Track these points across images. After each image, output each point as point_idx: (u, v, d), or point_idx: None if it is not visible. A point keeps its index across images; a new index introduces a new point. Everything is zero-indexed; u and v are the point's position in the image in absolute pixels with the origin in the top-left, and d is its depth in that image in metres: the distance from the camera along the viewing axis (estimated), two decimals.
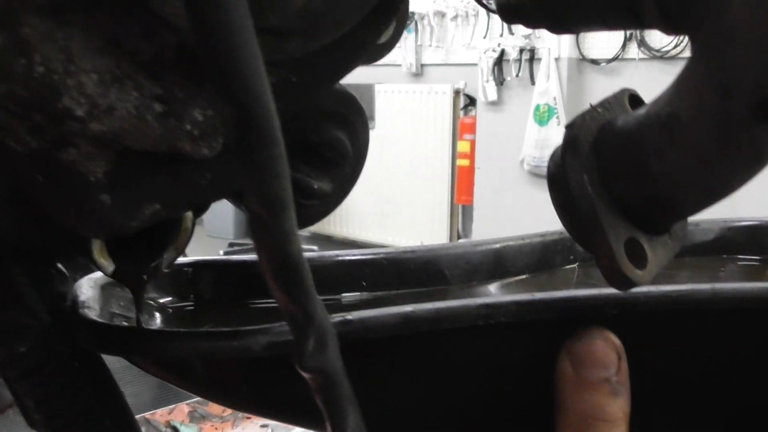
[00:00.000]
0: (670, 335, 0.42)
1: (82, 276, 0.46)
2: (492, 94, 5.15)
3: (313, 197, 0.39)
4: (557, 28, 0.37)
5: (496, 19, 5.16)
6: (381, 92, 5.13)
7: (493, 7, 0.40)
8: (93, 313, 0.41)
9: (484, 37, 5.22)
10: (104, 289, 0.46)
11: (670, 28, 0.33)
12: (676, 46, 4.30)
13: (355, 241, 5.70)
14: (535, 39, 4.98)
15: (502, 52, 5.11)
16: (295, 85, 0.31)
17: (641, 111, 0.33)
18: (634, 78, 4.54)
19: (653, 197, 0.33)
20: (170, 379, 0.42)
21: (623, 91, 0.37)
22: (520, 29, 5.08)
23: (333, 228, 5.74)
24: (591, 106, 0.36)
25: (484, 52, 5.17)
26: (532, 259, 0.63)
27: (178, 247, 0.42)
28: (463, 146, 5.36)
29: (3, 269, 0.37)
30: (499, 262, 0.62)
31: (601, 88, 4.70)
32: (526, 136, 4.91)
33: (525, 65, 5.01)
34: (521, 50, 5.02)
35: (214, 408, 1.37)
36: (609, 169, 0.33)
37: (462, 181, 5.35)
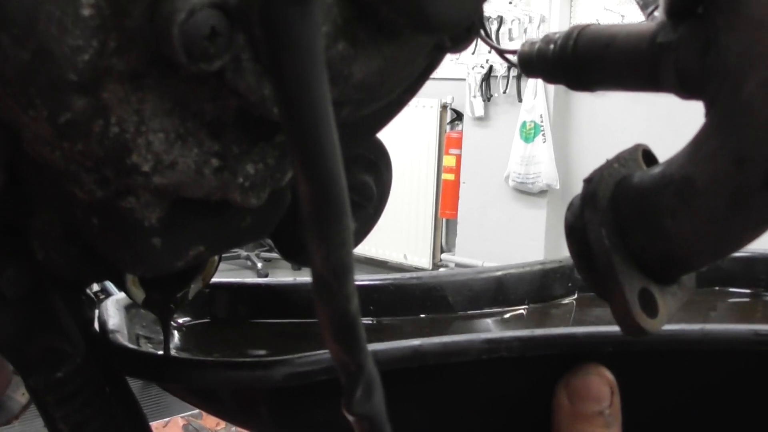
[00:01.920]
0: (662, 372, 0.44)
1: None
2: (479, 110, 5.19)
3: None
4: (576, 87, 0.40)
5: None
6: None
7: (515, 60, 0.43)
8: (122, 338, 0.43)
9: (473, 53, 5.24)
10: (128, 310, 0.48)
11: (686, 95, 0.35)
12: None
13: None
14: None
15: (490, 68, 5.14)
16: (341, 139, 0.33)
17: (656, 171, 0.36)
18: (620, 98, 4.58)
19: (666, 253, 0.35)
20: (197, 404, 0.44)
21: (637, 147, 0.40)
22: (508, 46, 5.13)
23: None
24: (607, 161, 0.38)
25: (472, 68, 5.20)
26: (533, 287, 0.65)
27: (205, 278, 0.44)
28: (448, 161, 5.39)
29: (43, 296, 0.39)
30: (500, 290, 0.64)
31: (587, 107, 4.75)
32: (512, 152, 4.94)
33: (512, 82, 5.05)
34: (509, 67, 5.05)
35: (208, 421, 1.38)
36: (625, 224, 0.36)
37: (447, 195, 5.37)
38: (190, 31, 0.24)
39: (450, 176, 5.35)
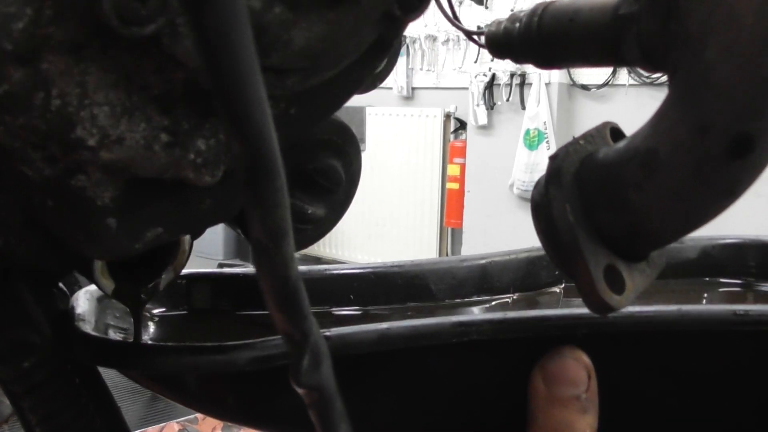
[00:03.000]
0: (639, 355, 0.43)
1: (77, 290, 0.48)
2: (482, 118, 5.18)
3: (308, 222, 0.41)
4: (543, 64, 0.39)
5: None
6: (372, 115, 5.16)
7: (482, 41, 0.42)
8: (89, 327, 0.43)
9: (475, 62, 5.25)
10: (100, 301, 0.47)
11: (650, 67, 0.35)
12: None
13: (344, 263, 5.71)
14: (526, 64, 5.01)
15: (493, 77, 5.14)
16: (293, 117, 0.32)
17: (621, 145, 0.35)
18: (624, 104, 4.58)
19: (632, 227, 0.34)
20: (161, 392, 0.43)
21: (605, 125, 0.39)
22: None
23: (322, 249, 5.75)
24: (574, 138, 0.38)
25: (475, 77, 5.20)
26: (518, 275, 0.65)
27: (176, 268, 0.44)
28: (453, 169, 5.38)
29: (11, 288, 0.39)
30: (485, 278, 0.63)
31: (591, 114, 4.74)
32: (516, 160, 4.94)
33: (516, 90, 5.05)
34: (512, 75, 5.05)
35: (204, 426, 1.38)
36: (590, 200, 0.35)
37: (452, 204, 5.37)
38: None
39: (454, 185, 5.35)
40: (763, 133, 0.31)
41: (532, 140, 4.86)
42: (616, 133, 0.39)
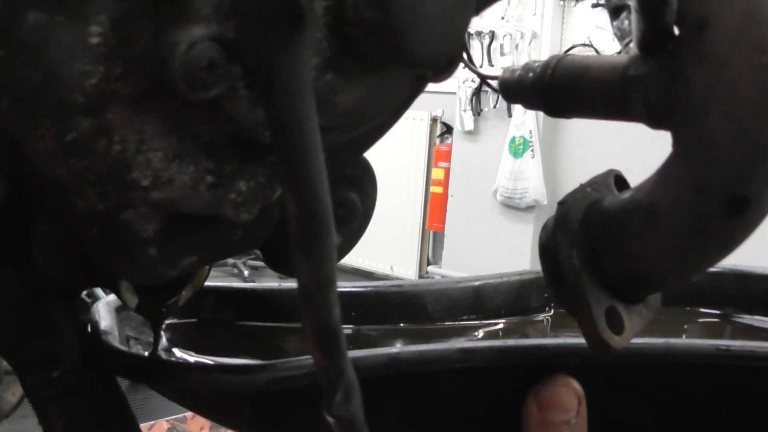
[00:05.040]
0: (627, 384, 0.46)
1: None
2: (469, 124, 5.22)
3: None
4: (553, 113, 0.42)
5: (476, 49, 5.24)
6: None
7: (495, 85, 0.45)
8: (113, 340, 0.45)
9: (464, 67, 5.28)
10: (118, 312, 0.50)
11: (655, 126, 0.37)
12: None
13: None
14: None
15: (481, 83, 5.18)
16: (328, 161, 0.35)
17: (625, 195, 0.38)
18: None
19: (632, 273, 0.37)
20: (183, 404, 0.46)
21: (609, 173, 0.42)
22: (500, 61, 5.17)
23: None
24: (580, 185, 0.40)
25: (463, 82, 5.24)
26: (510, 297, 0.67)
27: (196, 285, 0.46)
28: (437, 173, 5.42)
29: (43, 302, 0.41)
30: (478, 299, 0.66)
31: (576, 125, 4.79)
32: (501, 167, 4.98)
33: None
34: None
35: (193, 425, 1.40)
36: (594, 246, 0.38)
37: (435, 208, 5.40)
38: (190, 62, 0.26)
39: (438, 189, 5.38)
40: (757, 195, 0.34)
41: (517, 148, 4.90)
42: (620, 180, 0.42)
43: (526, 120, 4.88)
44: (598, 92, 0.39)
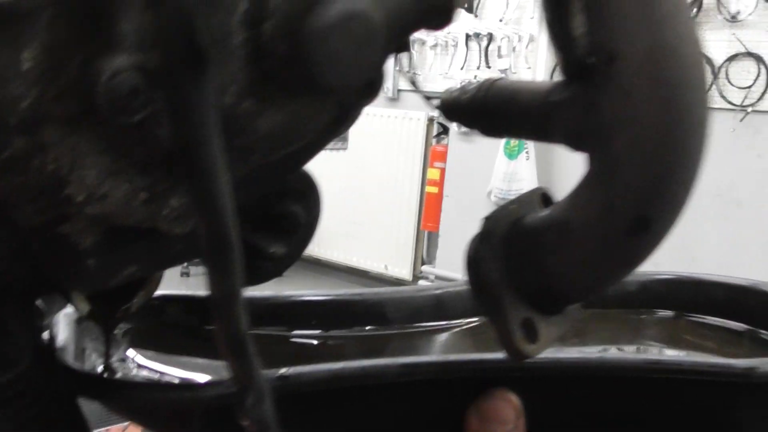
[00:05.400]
0: (565, 396, 0.48)
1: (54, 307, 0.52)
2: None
3: (269, 260, 0.46)
4: (486, 133, 0.44)
5: (474, 51, 5.26)
6: None
7: (437, 103, 0.47)
8: (69, 354, 0.47)
9: (461, 68, 5.31)
10: (78, 323, 0.52)
11: (573, 148, 0.40)
12: None
13: (320, 260, 5.75)
14: (511, 74, 5.08)
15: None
16: (259, 178, 0.37)
17: (544, 213, 0.40)
18: None
19: (547, 287, 0.39)
20: (135, 421, 0.48)
21: (536, 190, 0.44)
22: (497, 63, 5.19)
23: None
24: (507, 202, 0.43)
25: (461, 83, 5.25)
26: (471, 304, 0.70)
27: (148, 292, 0.48)
28: (433, 174, 5.44)
29: None
30: (439, 306, 0.68)
31: None
32: (495, 168, 5.00)
33: None
34: None
35: None
36: (514, 260, 0.40)
37: (429, 208, 5.43)
38: (113, 90, 0.28)
39: (433, 189, 5.40)
40: (658, 216, 0.36)
41: (512, 150, 4.92)
42: (546, 198, 0.44)
43: None
44: (524, 115, 0.42)
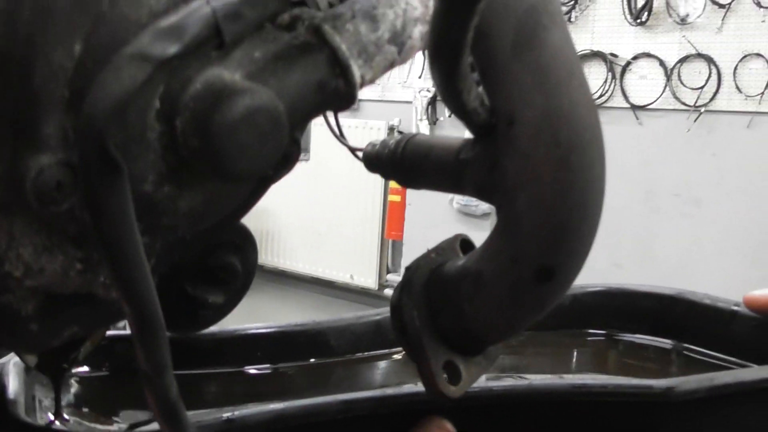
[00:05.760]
0: (498, 422, 0.52)
1: None
2: (425, 133, 5.28)
3: (209, 309, 0.48)
4: (404, 184, 0.47)
5: None
6: (317, 125, 5.20)
7: (359, 154, 0.50)
8: (21, 405, 0.49)
9: (419, 77, 5.35)
10: (28, 371, 0.54)
11: (484, 201, 0.43)
12: (602, 96, 4.46)
13: (285, 272, 5.75)
14: None
15: (436, 93, 5.24)
16: (189, 241, 0.40)
17: (460, 263, 0.43)
18: None
19: (465, 331, 0.42)
20: None
21: (456, 237, 0.47)
22: None
23: (264, 258, 5.78)
24: (427, 251, 0.46)
25: (419, 92, 5.30)
26: None
27: (94, 341, 0.51)
28: (395, 182, 5.46)
29: None
30: (379, 332, 0.71)
31: None
32: None
33: None
34: None
35: None
36: (435, 306, 0.43)
37: (393, 217, 5.45)
38: (40, 185, 0.31)
39: (396, 198, 5.43)
40: (561, 266, 0.39)
41: None
42: (466, 244, 0.47)
43: None
44: (437, 170, 0.45)
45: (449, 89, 0.37)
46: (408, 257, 5.40)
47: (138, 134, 0.31)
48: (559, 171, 0.38)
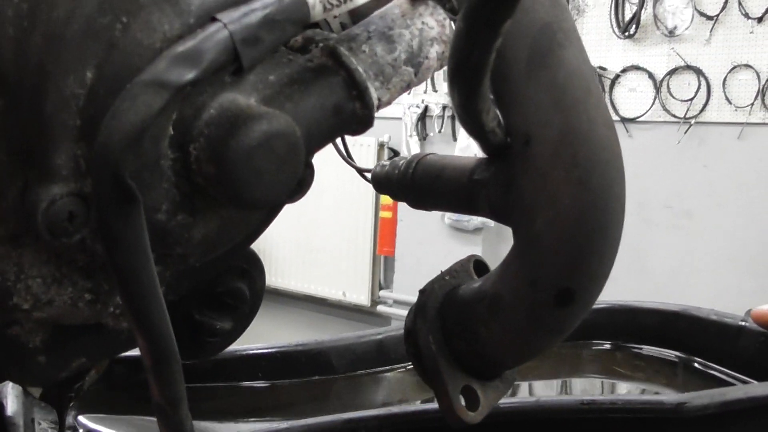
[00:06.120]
0: None
1: None
2: (415, 149, 5.27)
3: (216, 335, 0.47)
4: (414, 205, 0.47)
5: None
6: None
7: (368, 176, 0.49)
8: (20, 428, 0.48)
9: (408, 93, 5.35)
10: (26, 393, 0.53)
11: (500, 222, 0.42)
12: None
13: (277, 290, 5.72)
14: None
15: (426, 108, 5.25)
16: (199, 268, 0.39)
17: (476, 285, 0.42)
18: None
19: (482, 355, 0.42)
20: None
21: (469, 258, 0.46)
22: (443, 87, 5.24)
23: None
24: (441, 273, 0.45)
25: (409, 108, 5.30)
26: None
27: (99, 370, 0.49)
28: (386, 198, 5.45)
29: None
30: (381, 351, 0.71)
31: None
32: None
33: (447, 121, 5.16)
34: (444, 107, 5.17)
35: None
36: (450, 331, 0.42)
37: (384, 233, 5.44)
38: (51, 216, 0.30)
39: (387, 214, 5.42)
40: (580, 288, 0.38)
41: None
42: (480, 265, 0.46)
43: (471, 143, 4.94)
44: (450, 191, 0.44)
45: (469, 110, 0.36)
46: (401, 273, 5.39)
47: (152, 162, 0.30)
48: (579, 191, 0.37)
